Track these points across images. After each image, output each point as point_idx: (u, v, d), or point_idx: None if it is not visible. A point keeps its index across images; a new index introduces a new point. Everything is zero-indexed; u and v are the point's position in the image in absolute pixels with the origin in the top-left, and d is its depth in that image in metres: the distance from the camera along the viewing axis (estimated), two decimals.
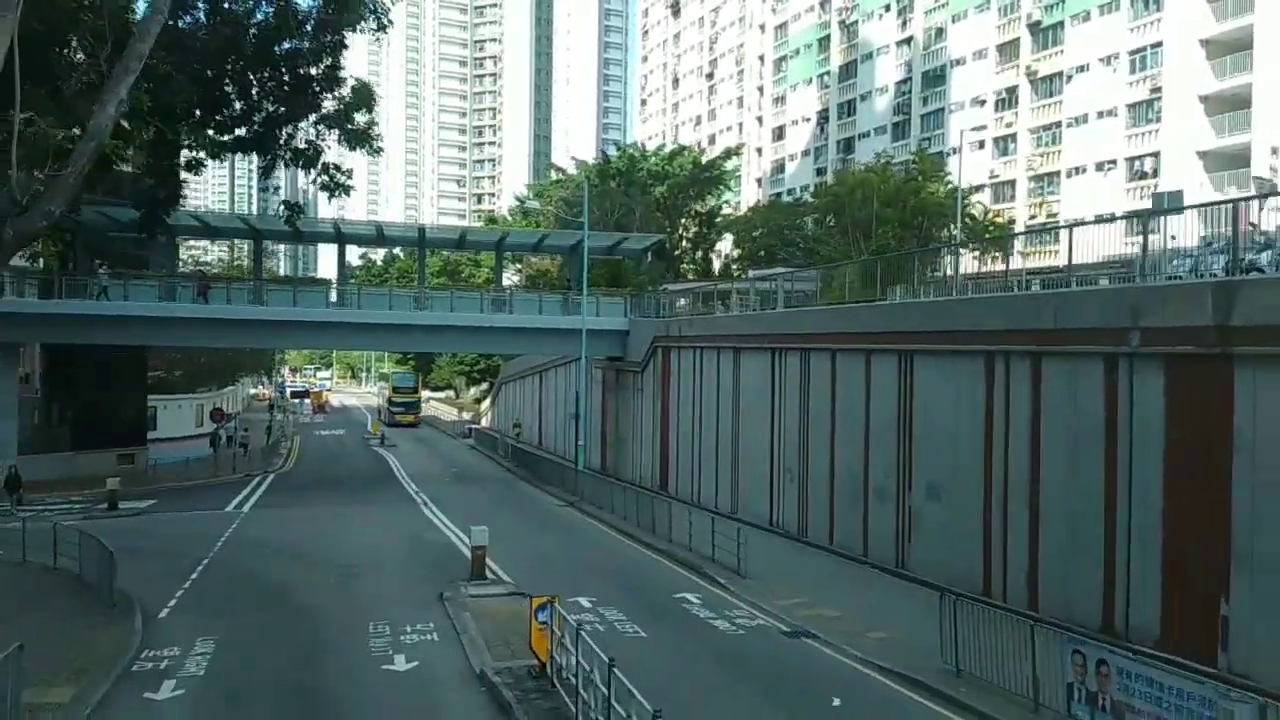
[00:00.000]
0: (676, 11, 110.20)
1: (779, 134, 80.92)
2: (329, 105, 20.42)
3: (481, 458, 55.83)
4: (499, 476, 45.36)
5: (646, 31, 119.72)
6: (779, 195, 76.49)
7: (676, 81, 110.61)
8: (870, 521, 21.73)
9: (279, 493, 38.06)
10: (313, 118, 20.85)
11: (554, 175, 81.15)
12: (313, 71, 20.72)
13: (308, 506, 33.47)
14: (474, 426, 73.89)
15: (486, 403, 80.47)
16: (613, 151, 79.73)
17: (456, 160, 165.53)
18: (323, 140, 20.80)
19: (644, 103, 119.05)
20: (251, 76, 20.73)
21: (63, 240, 40.15)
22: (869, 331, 21.99)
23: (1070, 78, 52.03)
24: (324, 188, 21.13)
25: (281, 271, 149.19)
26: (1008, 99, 56.01)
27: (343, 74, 20.68)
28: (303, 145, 20.68)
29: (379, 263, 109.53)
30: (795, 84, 77.91)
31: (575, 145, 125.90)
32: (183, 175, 23.29)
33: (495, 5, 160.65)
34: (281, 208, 20.48)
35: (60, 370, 40.94)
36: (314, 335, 39.45)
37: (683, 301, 40.53)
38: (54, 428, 40.72)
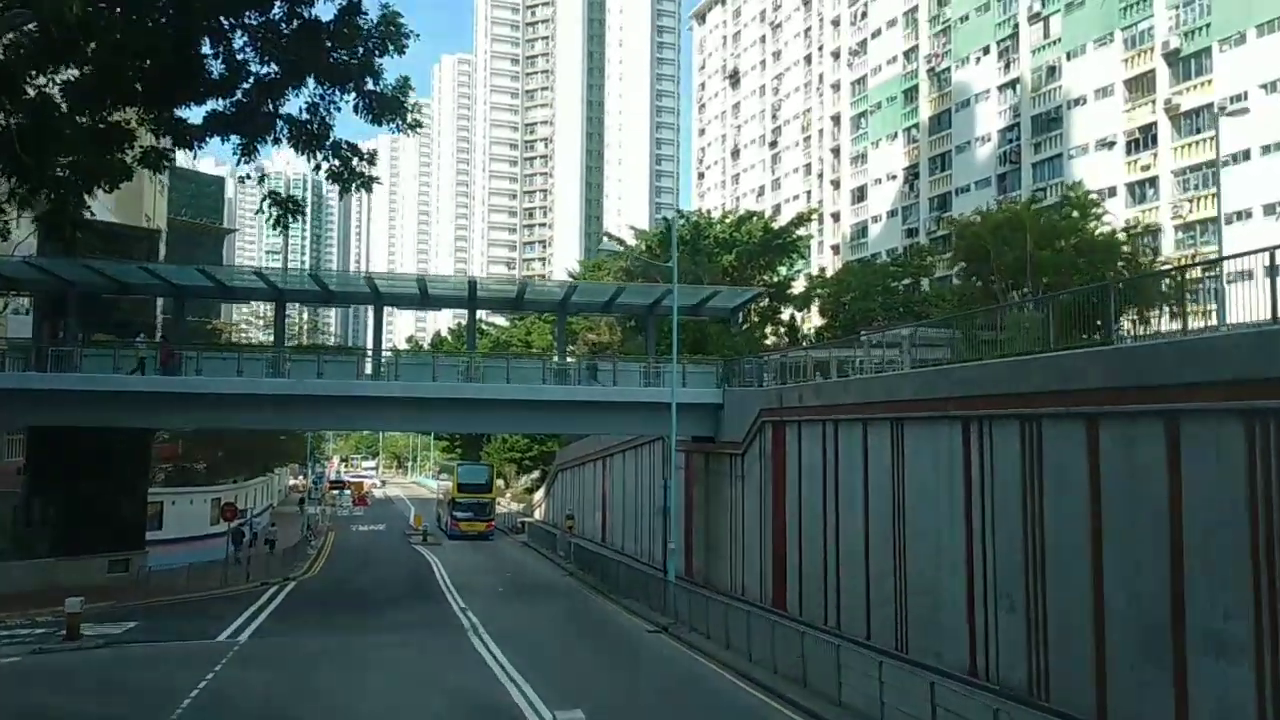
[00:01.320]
0: (735, 82, 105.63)
1: (859, 195, 74.23)
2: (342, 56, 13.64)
3: (538, 558, 47.92)
4: (562, 585, 37.44)
5: (703, 105, 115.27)
6: (861, 261, 69.38)
7: (736, 152, 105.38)
8: (1191, 685, 13.51)
9: (292, 611, 30.56)
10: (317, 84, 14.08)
11: (610, 243, 74.87)
12: (321, 15, 14.06)
13: (322, 633, 25.88)
14: (526, 520, 66.25)
15: (540, 493, 72.79)
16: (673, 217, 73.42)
17: (506, 243, 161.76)
18: (333, 107, 13.94)
19: (701, 176, 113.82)
20: (234, 23, 14.10)
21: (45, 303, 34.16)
22: (1174, 384, 14.10)
23: (1223, 109, 44.57)
24: (334, 178, 14.26)
25: (333, 340, 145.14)
26: (1142, 139, 48.65)
27: (365, 11, 13.91)
28: (304, 116, 13.83)
29: (425, 347, 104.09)
30: (878, 140, 71.49)
31: (628, 223, 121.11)
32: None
33: (546, 89, 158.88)
34: (269, 204, 13.36)
35: (45, 459, 34.35)
36: (344, 413, 32.48)
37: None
38: (32, 529, 33.89)
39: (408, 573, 41.41)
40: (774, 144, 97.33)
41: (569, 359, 36.43)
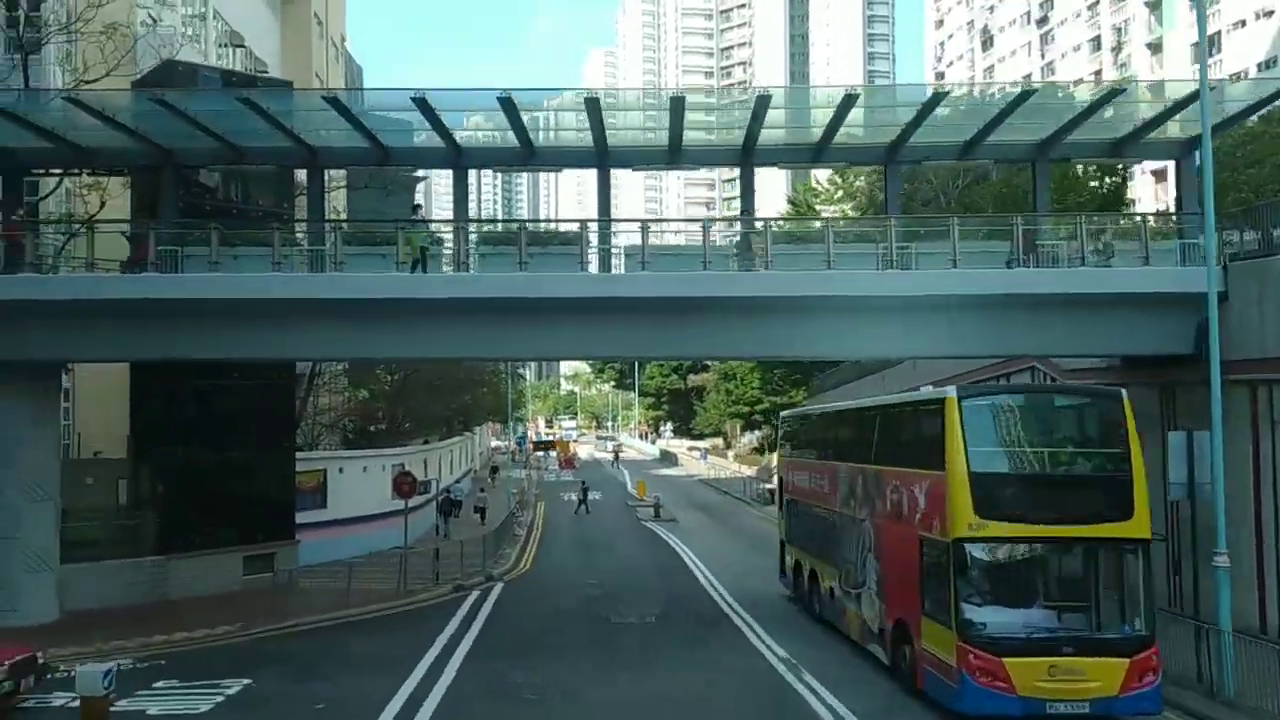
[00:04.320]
0: None
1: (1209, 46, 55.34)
2: None
3: None
4: None
5: None
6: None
7: (989, 40, 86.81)
8: None
9: (505, 647, 18.62)
10: None
11: None
12: None
13: (564, 703, 13.79)
14: (768, 486, 53.19)
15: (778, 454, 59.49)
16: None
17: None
18: None
19: (941, 76, 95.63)
20: None
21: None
22: None
23: None
24: None
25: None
26: None
27: None
28: None
29: None
30: None
31: None
32: None
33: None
34: None
35: (153, 413, 24.17)
36: (569, 328, 20.07)
37: None
38: (141, 514, 23.84)
39: (650, 564, 29.21)
40: (1043, 20, 78.58)
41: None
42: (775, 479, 57.77)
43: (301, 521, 26.53)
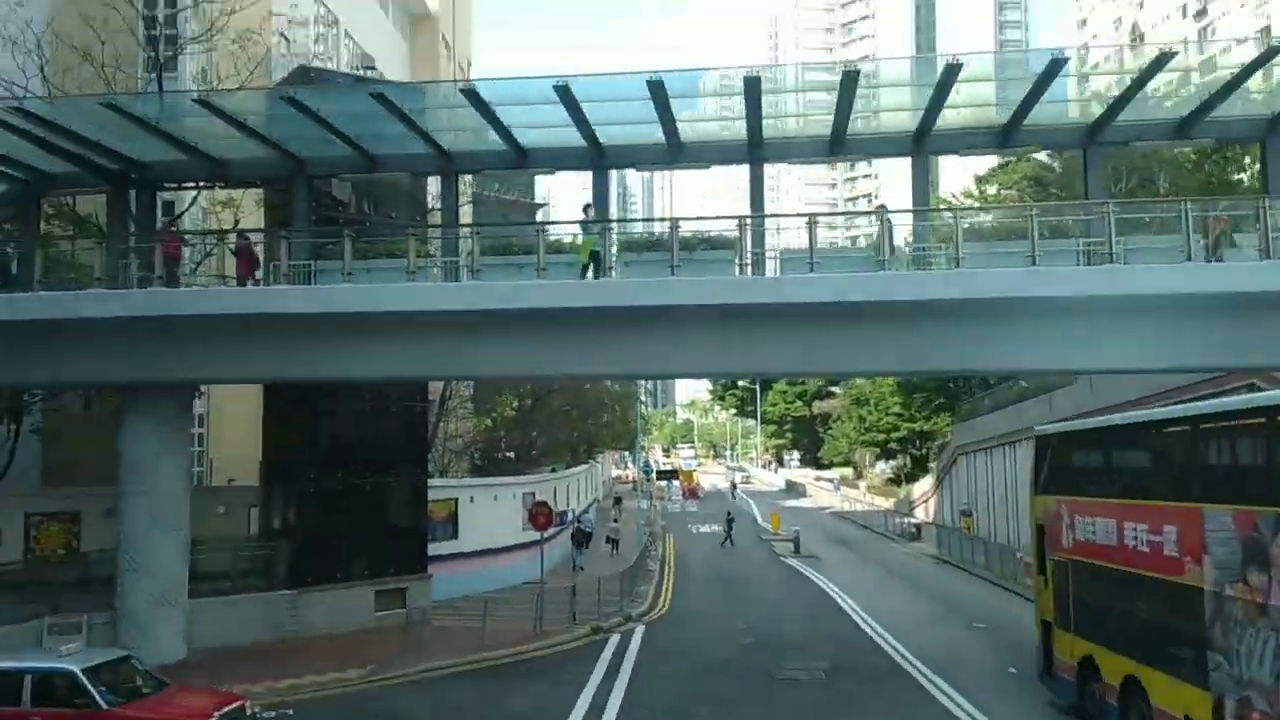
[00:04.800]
0: None
1: None
2: None
3: (988, 589, 31.13)
4: None
5: None
6: None
7: (1139, 38, 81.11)
8: None
9: (658, 699, 16.42)
10: None
11: None
12: None
13: None
14: (912, 521, 49.50)
15: (922, 484, 55.50)
16: None
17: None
18: None
19: (1085, 79, 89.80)
20: None
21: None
22: None
23: None
24: None
25: None
26: None
27: None
28: None
29: None
30: None
31: None
32: None
33: None
34: None
35: (283, 436, 23.09)
36: (715, 341, 17.79)
37: None
38: (272, 545, 22.68)
39: (808, 614, 26.34)
40: (1201, 12, 72.98)
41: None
42: (917, 510, 54.35)
43: (432, 554, 24.99)
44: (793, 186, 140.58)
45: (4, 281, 19.25)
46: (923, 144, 19.87)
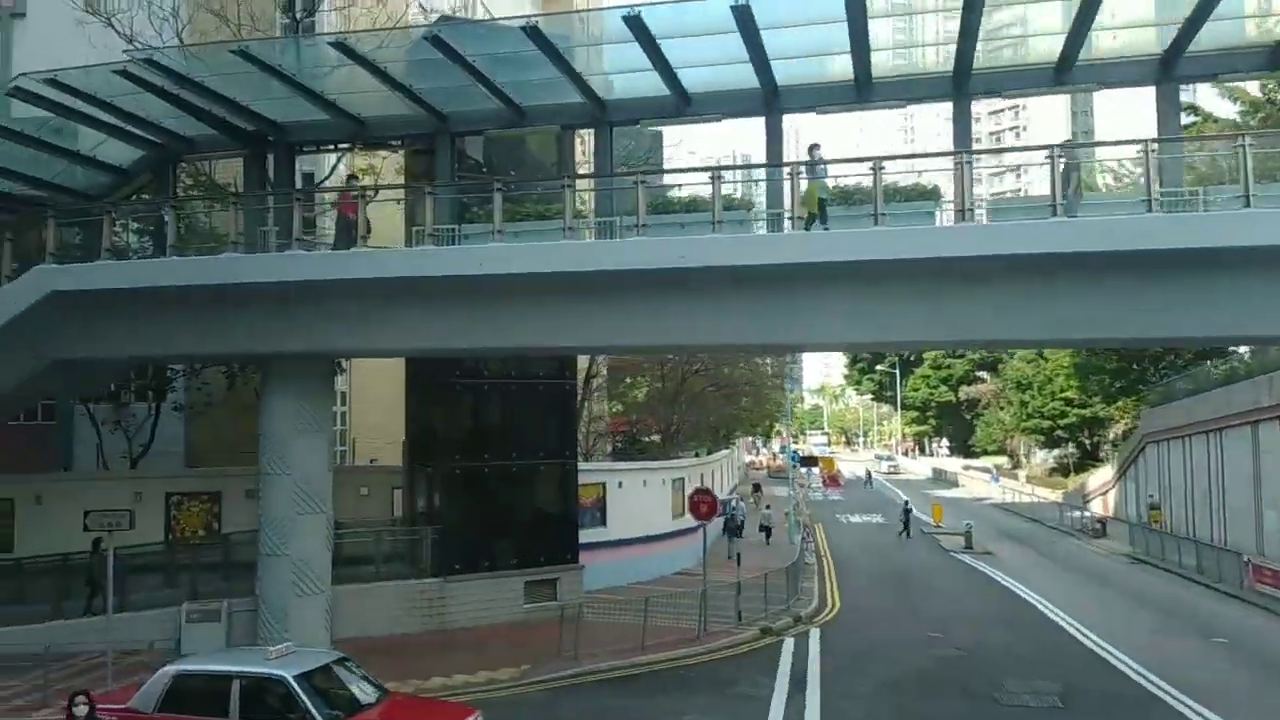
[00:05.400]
0: None
1: None
2: None
3: (1203, 595, 27.05)
4: None
5: None
6: None
7: None
8: None
9: None
10: None
11: None
12: None
13: None
14: (1094, 515, 44.80)
15: (1102, 473, 50.37)
16: None
17: None
18: None
19: None
20: None
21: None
22: None
23: None
24: None
25: None
26: None
27: None
28: None
29: None
30: None
31: None
32: None
33: None
34: None
35: (423, 415, 21.54)
36: (919, 299, 14.93)
37: None
38: (416, 532, 21.15)
39: (1004, 620, 23.08)
40: None
41: None
42: (1094, 504, 49.48)
43: (581, 541, 23.05)
44: (930, 123, 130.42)
45: (159, 247, 18.10)
46: (1172, 68, 16.42)
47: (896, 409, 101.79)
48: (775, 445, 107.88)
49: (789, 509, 39.69)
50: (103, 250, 17.50)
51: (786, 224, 16.05)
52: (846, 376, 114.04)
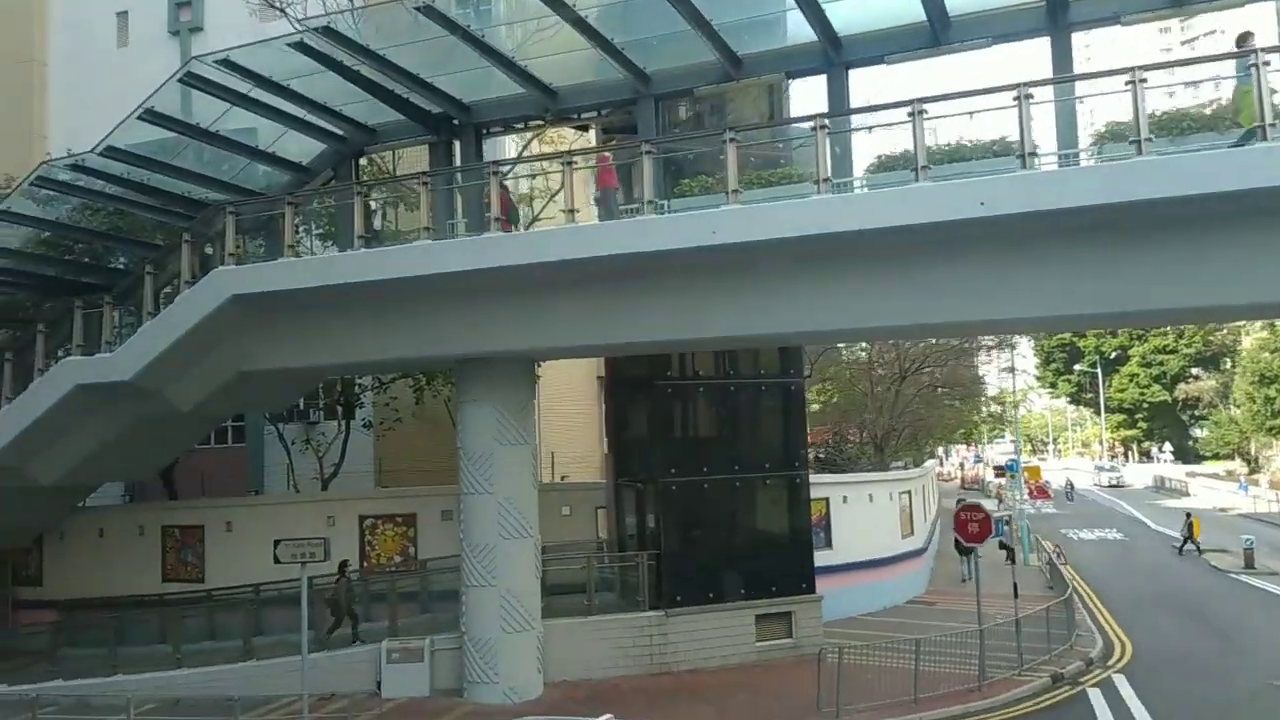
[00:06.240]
0: None
1: None
2: None
3: None
4: None
5: None
6: None
7: None
8: None
9: None
10: None
11: None
12: None
13: None
14: None
15: None
16: None
17: None
18: None
19: None
20: None
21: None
22: None
23: None
24: None
25: None
26: None
27: None
28: None
29: None
30: None
31: None
32: None
33: None
34: None
35: (635, 425, 18.87)
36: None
37: None
38: (626, 556, 18.47)
39: None
40: None
41: None
42: None
43: None
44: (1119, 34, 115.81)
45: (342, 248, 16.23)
46: None
47: (1101, 412, 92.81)
48: (958, 455, 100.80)
49: (1013, 524, 34.89)
50: (285, 247, 15.72)
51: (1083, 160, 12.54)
52: (1039, 378, 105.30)
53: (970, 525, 17.31)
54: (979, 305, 12.63)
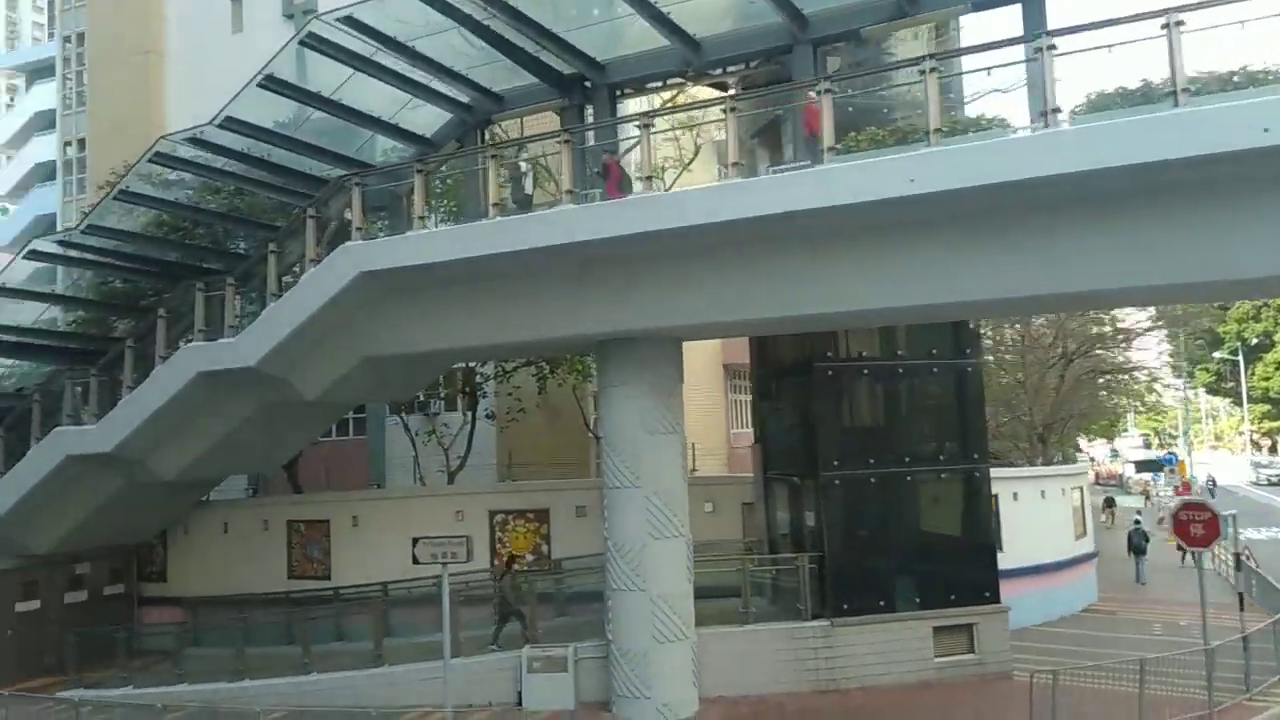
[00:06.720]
0: None
1: None
2: None
3: None
4: None
5: None
6: None
7: None
8: None
9: None
10: None
11: None
12: None
13: None
14: None
15: None
16: None
17: None
18: None
19: None
20: None
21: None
22: None
23: None
24: None
25: None
26: None
27: None
28: None
29: None
30: None
31: None
32: None
33: None
34: None
35: (786, 412, 17.01)
36: None
37: None
38: (784, 558, 16.63)
39: None
40: None
41: None
42: None
43: None
44: None
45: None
46: None
47: (1243, 403, 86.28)
48: (1096, 448, 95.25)
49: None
50: (414, 219, 14.41)
51: None
52: (1172, 367, 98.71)
53: (1193, 527, 14.79)
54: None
